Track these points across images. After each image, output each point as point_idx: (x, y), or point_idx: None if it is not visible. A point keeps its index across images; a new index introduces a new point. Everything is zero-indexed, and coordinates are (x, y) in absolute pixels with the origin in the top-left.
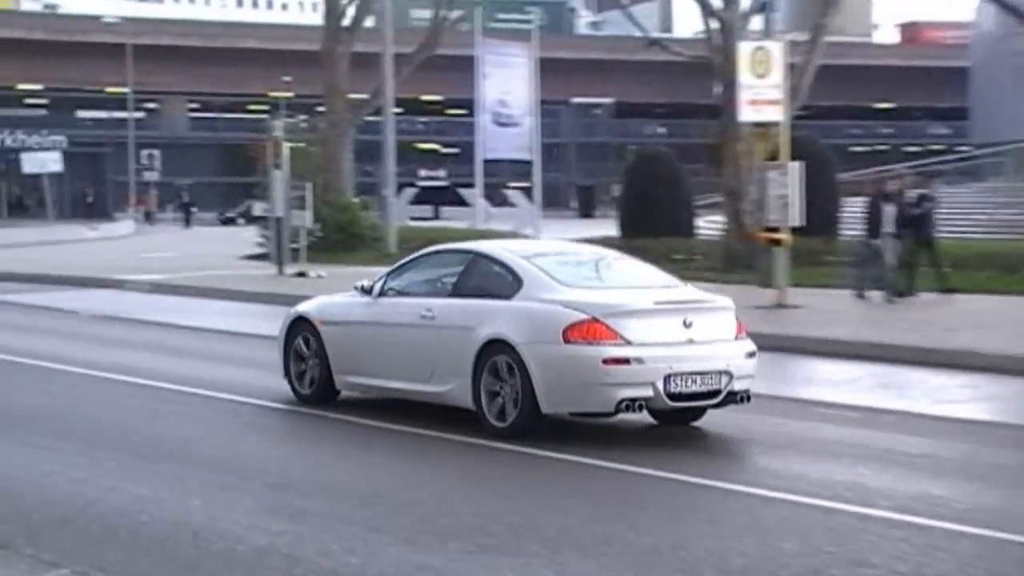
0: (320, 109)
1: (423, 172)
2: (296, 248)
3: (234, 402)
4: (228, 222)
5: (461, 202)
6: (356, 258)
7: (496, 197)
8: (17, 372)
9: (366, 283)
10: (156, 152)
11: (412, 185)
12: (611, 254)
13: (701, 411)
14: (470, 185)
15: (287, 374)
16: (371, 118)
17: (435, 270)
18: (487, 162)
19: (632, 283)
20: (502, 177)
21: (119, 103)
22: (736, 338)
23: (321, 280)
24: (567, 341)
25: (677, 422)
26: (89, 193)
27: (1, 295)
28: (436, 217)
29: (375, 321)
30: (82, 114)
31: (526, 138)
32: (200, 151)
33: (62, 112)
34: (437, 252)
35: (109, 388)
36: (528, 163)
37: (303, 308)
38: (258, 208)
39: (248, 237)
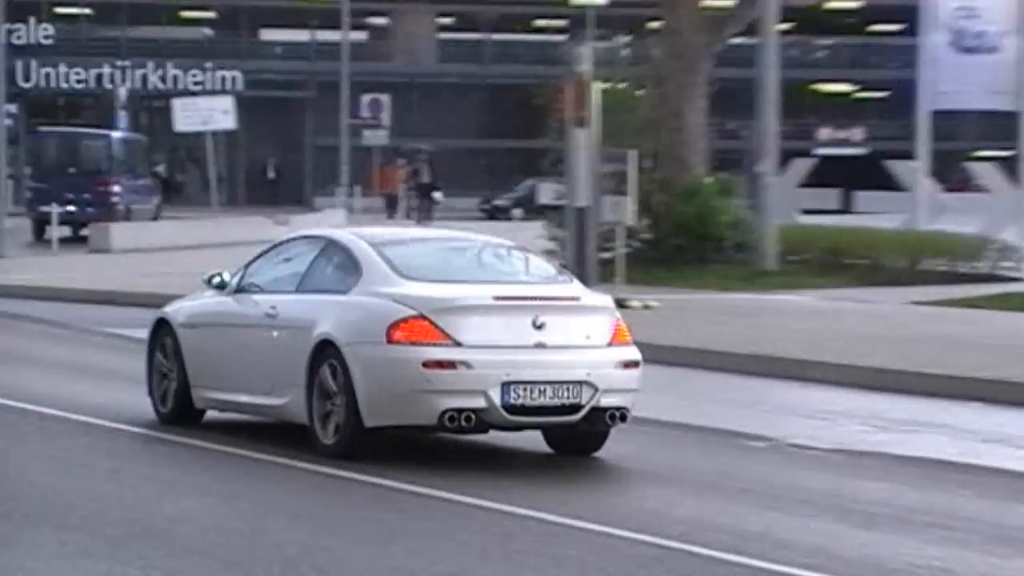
0: (653, 26)
1: (826, 132)
2: (610, 259)
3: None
4: (495, 213)
5: (889, 183)
6: (710, 277)
7: (953, 175)
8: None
9: (222, 276)
10: (383, 98)
11: (807, 155)
12: (509, 245)
13: (591, 436)
14: (906, 156)
15: (150, 391)
16: (737, 40)
17: (291, 261)
18: (939, 115)
19: (494, 278)
20: (964, 141)
21: (327, 17)
22: (610, 344)
23: (650, 313)
24: (390, 341)
25: (573, 451)
26: (272, 164)
27: (116, 326)
28: (846, 209)
29: (225, 322)
30: (268, 36)
31: (1009, 75)
32: (452, 97)
33: (237, 34)
34: (294, 239)
35: None
36: (1011, 116)
37: (168, 308)
38: (546, 192)
39: (530, 239)
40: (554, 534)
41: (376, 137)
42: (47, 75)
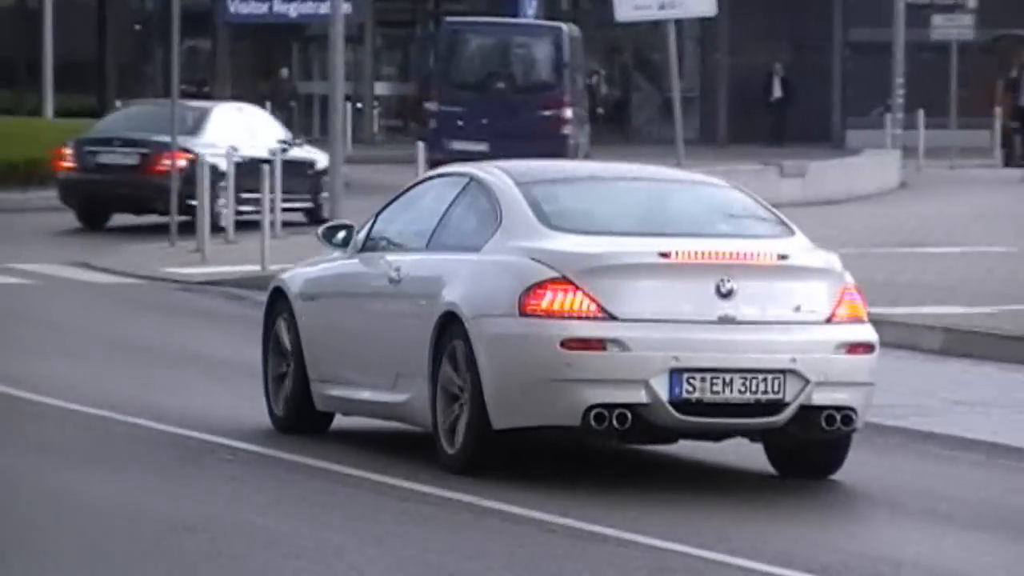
0: None
1: None
2: None
3: None
4: None
5: None
6: None
7: None
8: None
9: (348, 228)
10: None
11: None
12: (718, 184)
13: (822, 449)
14: None
15: (265, 385)
16: None
17: (428, 206)
18: None
19: (676, 229)
20: None
21: None
22: (830, 320)
23: None
24: (523, 313)
25: (802, 471)
26: (777, 75)
27: None
28: None
29: (345, 291)
30: None
31: None
32: None
33: None
34: (434, 177)
35: None
36: None
37: (286, 274)
38: None
39: None
40: None
41: (956, 27)
42: None
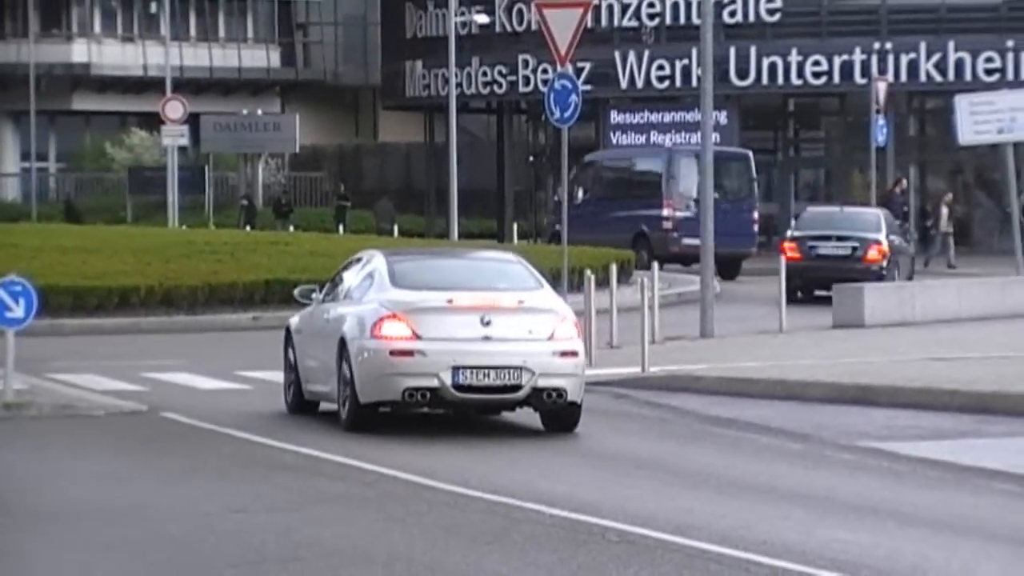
0: None
1: None
2: None
3: None
4: None
5: None
6: None
7: None
8: None
9: (312, 291)
10: None
11: None
12: (503, 258)
13: (563, 415)
14: None
15: (284, 387)
16: None
17: (348, 275)
18: None
19: (467, 285)
20: None
21: None
22: (550, 338)
23: None
24: (372, 336)
25: (557, 428)
26: None
27: (876, 439)
28: None
29: (309, 328)
30: None
31: None
32: None
33: None
34: (356, 258)
35: None
36: None
37: (292, 320)
38: None
39: None
40: None
41: None
42: (771, 67)
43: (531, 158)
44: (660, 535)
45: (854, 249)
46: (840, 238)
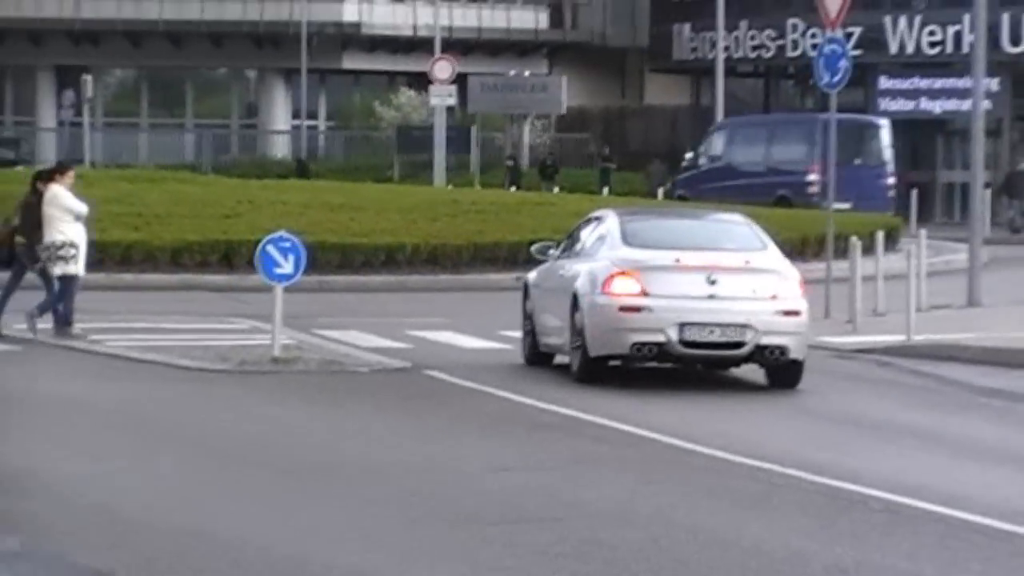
0: None
1: None
2: None
3: None
4: None
5: None
6: None
7: None
8: None
9: (548, 248)
10: None
11: None
12: (729, 219)
13: (787, 372)
14: None
15: (522, 337)
16: None
17: (581, 234)
18: None
19: (695, 245)
20: None
21: None
22: (773, 297)
23: None
24: (603, 292)
25: (781, 384)
26: None
27: None
28: None
29: (545, 282)
30: None
31: None
32: None
33: None
34: (591, 217)
35: None
36: None
37: (530, 275)
38: None
39: None
40: None
41: None
42: None
43: None
44: (923, 504)
45: None
46: None
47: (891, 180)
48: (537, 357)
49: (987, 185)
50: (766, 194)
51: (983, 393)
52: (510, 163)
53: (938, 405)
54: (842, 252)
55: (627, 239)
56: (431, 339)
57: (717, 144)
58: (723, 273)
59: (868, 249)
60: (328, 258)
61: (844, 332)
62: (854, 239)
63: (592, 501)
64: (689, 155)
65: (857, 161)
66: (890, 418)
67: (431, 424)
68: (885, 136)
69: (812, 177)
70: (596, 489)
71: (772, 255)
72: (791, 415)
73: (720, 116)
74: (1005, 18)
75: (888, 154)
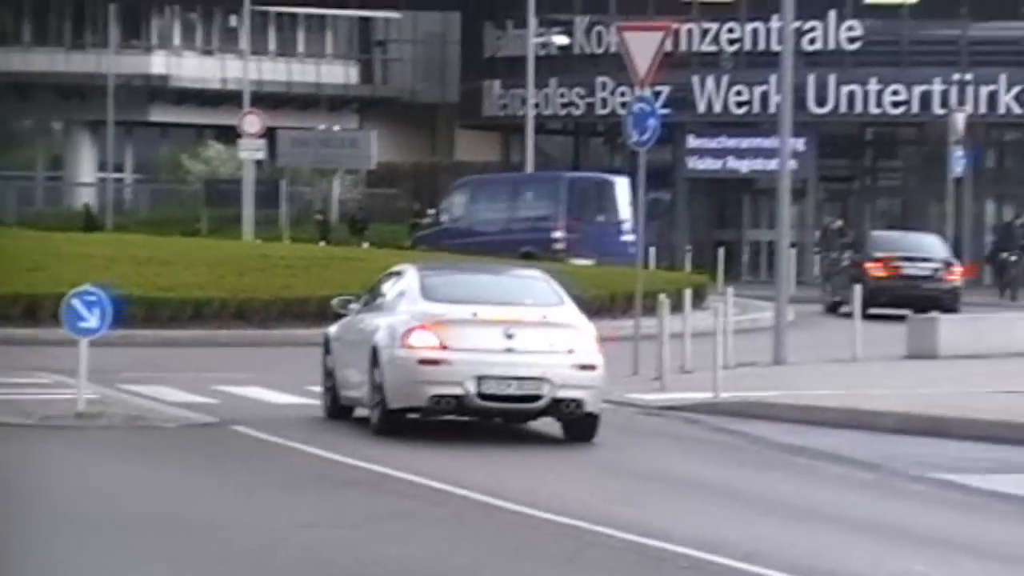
0: None
1: None
2: None
3: None
4: None
5: None
6: None
7: None
8: None
9: (348, 303)
10: None
11: None
12: (527, 275)
13: (582, 425)
14: None
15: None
16: None
17: (380, 288)
18: None
19: (493, 299)
20: None
21: None
22: (570, 352)
23: None
24: (403, 345)
25: (577, 437)
26: None
27: (947, 470)
28: None
29: (346, 335)
30: None
31: None
32: None
33: None
34: (389, 274)
35: None
36: None
37: (330, 329)
38: None
39: None
40: None
41: None
42: (850, 95)
43: None
44: (730, 562)
45: (936, 270)
46: (923, 259)
47: (631, 236)
48: (338, 410)
49: (793, 244)
50: (510, 250)
51: (788, 451)
52: (319, 217)
53: (744, 462)
54: (650, 309)
55: (426, 293)
56: (238, 394)
57: (459, 202)
58: (521, 327)
59: (676, 307)
60: (134, 312)
61: (652, 389)
62: (662, 296)
63: (399, 559)
64: (431, 212)
65: (600, 218)
66: (696, 475)
67: (237, 480)
68: (623, 193)
69: (558, 234)
70: (403, 546)
71: (569, 310)
72: (599, 471)
73: (530, 171)
74: (811, 79)
75: (627, 211)
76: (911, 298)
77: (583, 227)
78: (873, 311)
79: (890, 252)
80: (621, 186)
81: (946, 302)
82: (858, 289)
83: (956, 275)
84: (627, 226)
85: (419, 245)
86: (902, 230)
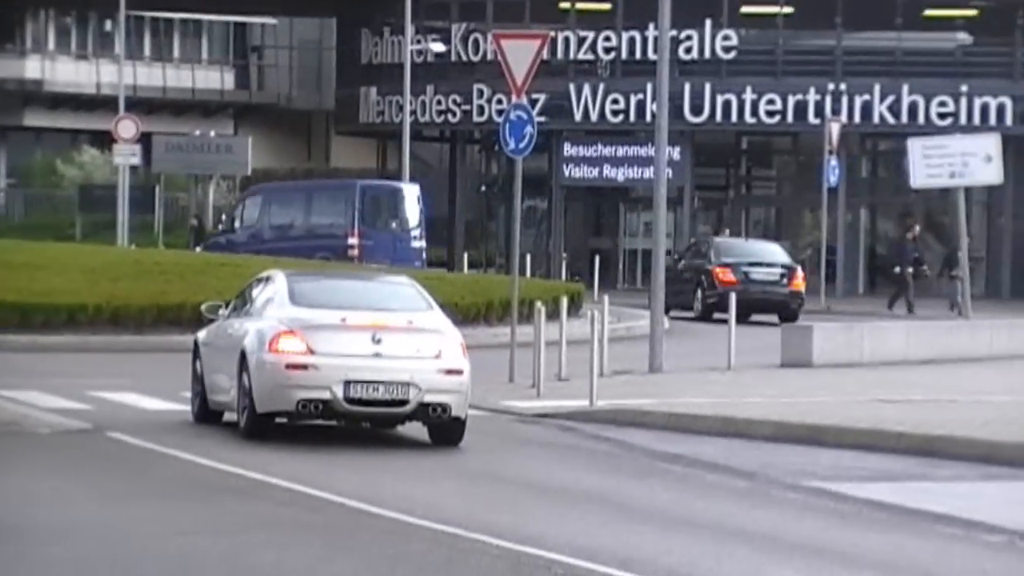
0: None
1: None
2: None
3: None
4: None
5: None
6: None
7: None
8: None
9: (219, 308)
10: None
11: None
12: (396, 281)
13: (449, 429)
14: None
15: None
16: None
17: (254, 292)
18: None
19: (361, 305)
20: None
21: None
22: (437, 356)
23: None
24: (270, 350)
25: (443, 441)
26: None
27: (824, 479)
28: None
29: (216, 340)
30: None
31: None
32: None
33: (1007, 42)
34: (258, 279)
35: None
36: None
37: (200, 334)
38: None
39: None
40: None
41: None
42: (725, 104)
43: (483, 188)
44: (605, 569)
45: (781, 275)
46: (768, 264)
47: (421, 243)
48: (207, 415)
49: (668, 253)
50: (304, 256)
51: (664, 458)
52: (194, 223)
53: (619, 470)
54: (527, 317)
55: (294, 299)
56: (113, 400)
57: (252, 209)
58: (388, 332)
59: (552, 315)
60: (7, 318)
61: (528, 397)
62: (539, 304)
63: (273, 566)
64: (224, 219)
65: (393, 225)
66: (572, 482)
67: (111, 486)
68: (412, 201)
69: (352, 241)
70: (277, 553)
71: (436, 316)
72: (474, 478)
73: (406, 179)
74: (687, 88)
75: (417, 218)
76: (760, 303)
77: (376, 234)
78: (718, 315)
79: (737, 258)
80: (411, 194)
81: (792, 306)
82: (700, 295)
83: (799, 281)
84: (417, 232)
85: (211, 252)
86: (780, 243)
